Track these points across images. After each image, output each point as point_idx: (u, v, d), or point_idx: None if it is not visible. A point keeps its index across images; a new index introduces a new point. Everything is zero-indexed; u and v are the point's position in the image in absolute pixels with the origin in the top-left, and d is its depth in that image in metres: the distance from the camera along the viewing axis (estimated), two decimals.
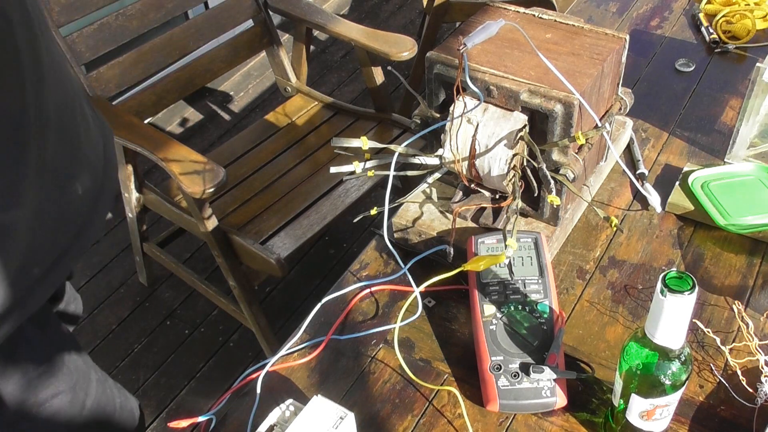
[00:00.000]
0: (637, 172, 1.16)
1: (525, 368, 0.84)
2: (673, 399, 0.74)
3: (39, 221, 0.76)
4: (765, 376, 0.85)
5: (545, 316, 0.88)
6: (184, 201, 1.66)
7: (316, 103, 2.05)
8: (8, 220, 0.72)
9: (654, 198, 1.10)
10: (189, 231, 1.76)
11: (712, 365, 0.89)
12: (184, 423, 0.87)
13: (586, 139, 0.90)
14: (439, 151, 1.01)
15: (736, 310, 0.95)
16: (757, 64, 1.08)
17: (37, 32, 0.73)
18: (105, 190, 0.89)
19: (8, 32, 0.67)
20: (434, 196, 1.09)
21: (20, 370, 0.86)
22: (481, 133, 0.95)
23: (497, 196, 1.04)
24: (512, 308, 0.89)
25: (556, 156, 0.95)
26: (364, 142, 0.99)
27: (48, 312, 0.96)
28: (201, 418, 0.87)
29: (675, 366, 0.71)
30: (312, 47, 2.36)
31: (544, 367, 0.83)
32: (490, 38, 0.95)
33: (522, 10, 1.06)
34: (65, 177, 0.80)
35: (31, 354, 0.88)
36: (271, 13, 1.94)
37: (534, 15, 1.05)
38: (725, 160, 1.18)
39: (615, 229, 1.08)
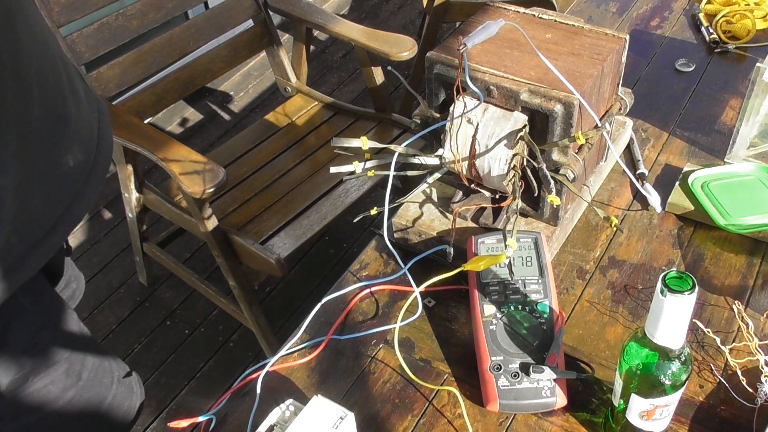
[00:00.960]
0: (637, 172, 1.16)
1: (525, 368, 0.84)
2: (673, 399, 0.74)
3: (26, 191, 0.76)
4: (765, 376, 0.85)
5: (545, 316, 0.88)
6: (184, 201, 1.66)
7: (316, 103, 2.05)
8: None
9: (654, 198, 1.10)
10: (189, 231, 1.76)
11: (712, 365, 0.89)
12: (184, 423, 0.87)
13: (586, 139, 0.90)
14: (439, 151, 1.01)
15: (736, 310, 0.95)
16: (757, 64, 1.08)
17: None
18: (98, 163, 0.89)
19: None
20: (434, 196, 1.09)
21: (17, 340, 0.86)
22: (481, 133, 0.95)
23: (497, 196, 1.04)
24: (512, 308, 0.89)
25: (556, 156, 0.95)
26: (364, 142, 0.99)
27: (43, 283, 0.96)
28: (201, 418, 0.87)
29: (675, 366, 0.71)
30: (312, 47, 2.36)
31: (544, 367, 0.83)
32: (490, 38, 0.95)
33: (522, 10, 1.06)
34: (53, 147, 0.80)
35: (28, 325, 0.88)
36: (271, 13, 1.94)
37: (534, 15, 1.05)
38: (725, 160, 1.18)
39: (615, 229, 1.08)
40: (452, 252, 0.99)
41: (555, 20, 1.03)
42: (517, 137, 0.93)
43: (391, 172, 1.00)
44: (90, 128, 0.89)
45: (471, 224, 1.04)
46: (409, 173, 1.05)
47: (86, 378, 1.00)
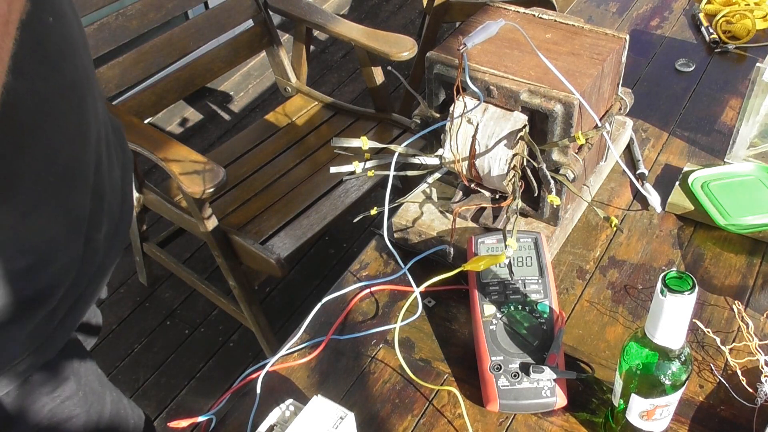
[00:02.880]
0: (637, 172, 1.16)
1: (525, 368, 0.84)
2: (673, 399, 0.74)
3: (62, 269, 0.77)
4: (765, 376, 0.85)
5: (545, 316, 0.88)
6: (184, 201, 1.66)
7: (316, 103, 2.05)
8: (46, 277, 0.74)
9: (654, 198, 1.10)
10: (189, 231, 1.76)
11: (712, 365, 0.89)
12: (184, 423, 0.87)
13: (586, 139, 0.90)
14: (439, 151, 1.01)
15: (736, 310, 0.95)
16: (757, 64, 1.08)
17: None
18: (121, 228, 0.89)
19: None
20: (434, 196, 1.09)
21: (37, 391, 0.86)
22: (481, 133, 0.95)
23: (497, 196, 1.04)
24: (512, 308, 0.89)
25: (556, 156, 0.95)
26: (364, 142, 0.99)
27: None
28: (201, 418, 0.87)
29: (675, 366, 0.71)
30: (312, 47, 2.36)
31: (544, 367, 0.83)
32: (490, 38, 0.95)
33: (522, 10, 1.06)
34: (91, 227, 0.80)
35: (49, 377, 0.87)
36: (271, 13, 1.94)
37: (534, 15, 1.05)
38: (725, 160, 1.18)
39: (615, 229, 1.08)
40: (452, 252, 0.99)
41: (555, 20, 1.03)
42: (517, 137, 0.93)
43: (391, 172, 1.00)
44: (116, 196, 0.87)
45: (471, 224, 1.04)
46: (409, 173, 1.05)
47: (103, 427, 0.98)
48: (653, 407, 0.74)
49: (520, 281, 0.92)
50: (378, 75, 1.87)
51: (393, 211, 1.07)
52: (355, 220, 1.15)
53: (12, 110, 0.59)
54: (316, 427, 0.75)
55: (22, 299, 0.71)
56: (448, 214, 1.05)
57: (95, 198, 0.79)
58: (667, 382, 0.71)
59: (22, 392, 0.82)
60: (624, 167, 1.01)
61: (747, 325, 0.92)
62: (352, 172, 1.00)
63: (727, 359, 0.89)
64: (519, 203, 0.94)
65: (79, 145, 0.74)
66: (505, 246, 0.88)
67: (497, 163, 0.95)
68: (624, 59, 1.02)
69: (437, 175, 1.05)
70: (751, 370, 0.87)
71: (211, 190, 1.39)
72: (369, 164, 1.02)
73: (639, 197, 1.13)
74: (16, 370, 0.77)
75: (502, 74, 0.94)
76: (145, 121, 1.76)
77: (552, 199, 0.94)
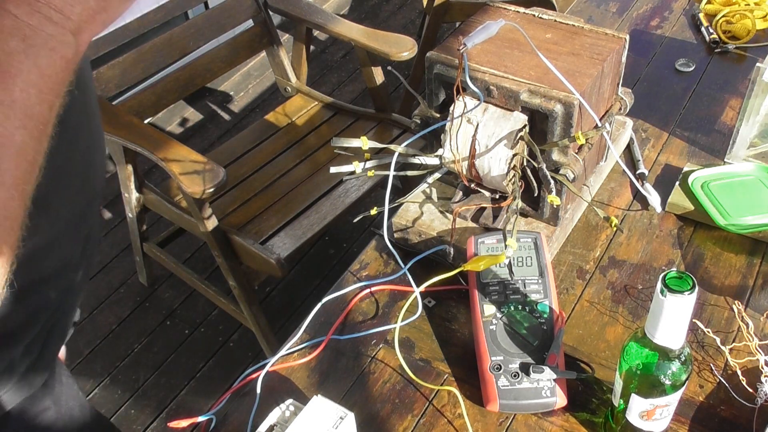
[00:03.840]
0: (637, 172, 1.16)
1: (525, 368, 0.84)
2: (673, 399, 0.74)
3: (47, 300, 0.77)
4: (765, 376, 0.85)
5: (545, 316, 0.88)
6: (184, 201, 1.66)
7: (316, 103, 2.05)
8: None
9: (654, 198, 1.10)
10: (189, 231, 1.76)
11: (712, 365, 0.89)
12: (184, 423, 0.87)
13: (586, 139, 0.90)
14: (439, 151, 1.01)
15: (736, 310, 0.95)
16: (757, 64, 1.08)
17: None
18: (90, 254, 0.89)
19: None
20: (434, 196, 1.09)
21: (17, 418, 0.86)
22: (481, 133, 0.95)
23: (497, 196, 1.04)
24: (512, 308, 0.89)
25: (556, 156, 0.95)
26: (364, 142, 0.99)
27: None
28: (201, 418, 0.87)
29: (675, 366, 0.71)
30: (312, 47, 2.36)
31: (544, 367, 0.83)
32: (490, 38, 0.95)
33: (522, 10, 1.06)
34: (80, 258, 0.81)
35: (31, 405, 0.87)
36: (271, 13, 1.94)
37: (534, 15, 1.05)
38: (725, 160, 1.18)
39: (615, 229, 1.08)
40: (452, 252, 0.99)
41: (555, 20, 1.03)
42: (517, 137, 0.93)
43: (391, 172, 1.00)
44: (93, 225, 0.89)
45: (471, 224, 1.04)
46: (409, 173, 1.05)
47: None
48: (653, 407, 0.74)
49: (520, 281, 0.92)
50: (378, 75, 1.88)
51: (393, 211, 1.07)
52: (355, 220, 1.15)
53: None
54: (316, 427, 0.75)
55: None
56: (448, 214, 1.05)
57: (84, 244, 0.81)
58: (667, 382, 0.71)
59: None
60: (624, 167, 1.01)
61: (747, 325, 0.92)
62: (352, 172, 1.00)
63: (727, 359, 0.89)
64: (519, 203, 0.94)
65: (85, 210, 0.76)
66: (505, 246, 0.88)
67: (497, 163, 0.95)
68: (624, 59, 1.02)
69: (437, 175, 1.05)
70: (751, 370, 0.87)
71: (211, 190, 1.39)
72: (369, 164, 1.02)
73: (639, 197, 1.13)
74: None
75: (502, 74, 0.94)
76: (145, 121, 1.76)
77: (552, 199, 0.94)
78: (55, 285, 0.76)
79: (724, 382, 0.86)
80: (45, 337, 0.80)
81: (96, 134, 0.77)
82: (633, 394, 0.74)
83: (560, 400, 0.83)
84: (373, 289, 1.02)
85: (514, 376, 0.84)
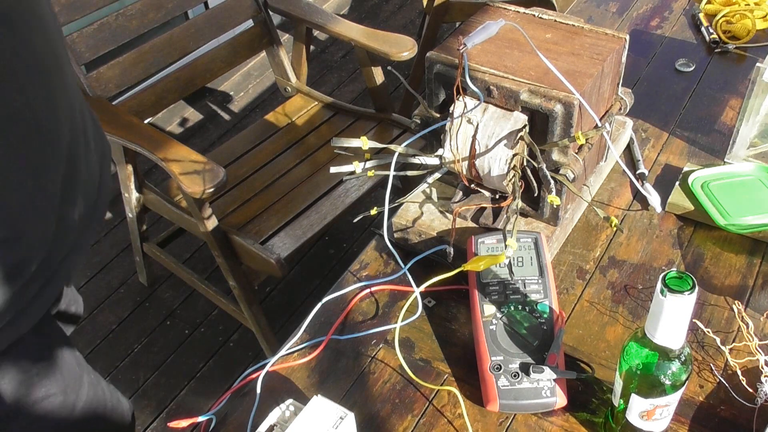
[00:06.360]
0: (637, 172, 1.16)
1: (525, 368, 0.84)
2: (673, 399, 0.74)
3: (30, 246, 0.77)
4: (765, 376, 0.85)
5: (545, 316, 0.88)
6: (184, 201, 1.66)
7: (316, 103, 2.05)
8: (18, 251, 0.75)
9: (654, 198, 1.10)
10: (189, 231, 1.76)
11: (712, 365, 0.89)
12: (184, 423, 0.87)
13: (586, 139, 0.90)
14: (439, 151, 1.01)
15: (736, 310, 0.95)
16: (757, 64, 1.08)
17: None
18: (98, 210, 0.90)
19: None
20: (434, 196, 1.09)
21: (14, 369, 0.86)
22: (481, 133, 0.95)
23: (497, 196, 1.04)
24: (512, 308, 0.89)
25: (556, 156, 0.95)
26: (364, 142, 0.99)
27: (45, 315, 0.96)
28: (201, 418, 0.87)
29: (675, 366, 0.71)
30: (312, 47, 2.36)
31: (544, 367, 0.83)
32: (490, 38, 0.95)
33: (522, 10, 1.06)
34: (62, 204, 0.81)
35: (26, 355, 0.88)
36: (271, 13, 1.94)
37: (534, 15, 1.05)
38: (725, 160, 1.18)
39: (615, 229, 1.08)
40: (452, 252, 0.99)
41: (555, 20, 1.03)
42: (517, 137, 0.93)
43: (391, 172, 1.00)
44: (94, 179, 0.89)
45: (471, 224, 1.04)
46: (409, 173, 1.05)
47: (80, 409, 0.98)
48: (653, 407, 0.74)
49: (520, 281, 0.92)
50: (378, 75, 1.87)
51: (393, 211, 1.07)
52: (355, 220, 1.15)
53: None
54: (316, 427, 0.75)
55: None
56: (448, 214, 1.05)
57: (69, 176, 0.80)
58: (667, 382, 0.71)
59: None
60: (624, 167, 1.01)
61: (747, 325, 0.92)
62: (352, 172, 1.00)
63: (727, 359, 0.89)
64: (519, 203, 0.94)
65: (46, 112, 0.75)
66: (505, 246, 0.88)
67: (497, 163, 0.95)
68: (624, 59, 1.02)
69: (437, 175, 1.05)
70: (751, 370, 0.87)
71: (211, 190, 1.39)
72: (369, 164, 1.02)
73: (639, 197, 1.13)
74: None
75: (502, 74, 0.94)
76: (145, 121, 1.76)
77: (552, 199, 0.94)
78: (38, 200, 0.76)
79: (724, 382, 0.86)
80: (42, 282, 0.80)
81: (52, 50, 0.77)
82: (633, 394, 0.74)
83: (560, 400, 0.83)
84: (373, 289, 1.02)
85: (514, 376, 0.84)
